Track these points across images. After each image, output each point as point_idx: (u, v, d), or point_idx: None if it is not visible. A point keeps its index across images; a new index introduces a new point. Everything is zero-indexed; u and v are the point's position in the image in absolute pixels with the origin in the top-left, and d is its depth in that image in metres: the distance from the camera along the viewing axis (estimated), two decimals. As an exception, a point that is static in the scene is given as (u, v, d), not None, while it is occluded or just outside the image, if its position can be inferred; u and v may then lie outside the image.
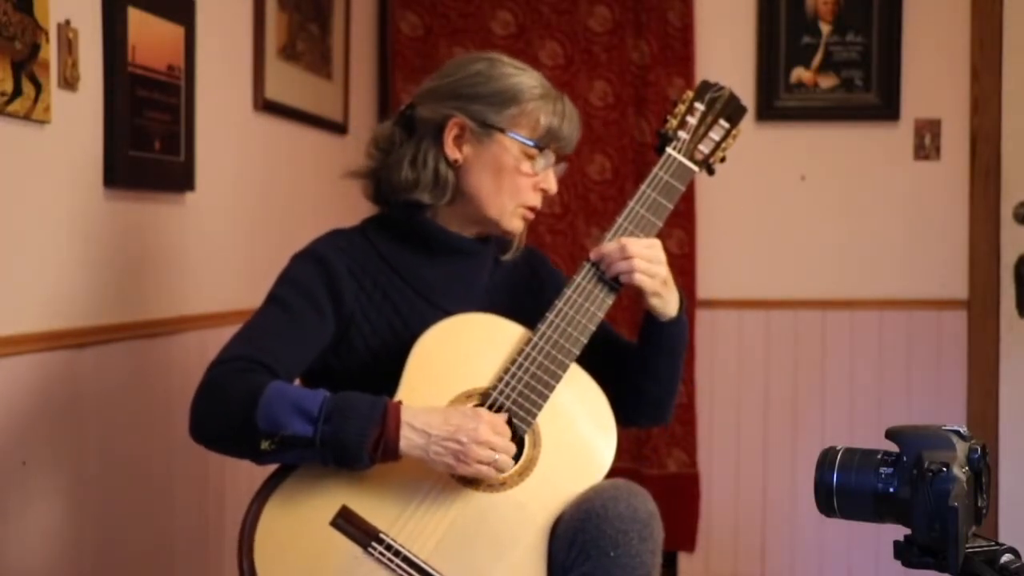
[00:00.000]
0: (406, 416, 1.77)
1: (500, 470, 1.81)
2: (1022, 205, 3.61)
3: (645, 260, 1.94)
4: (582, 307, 1.93)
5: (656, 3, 3.71)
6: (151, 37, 2.40)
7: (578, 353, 1.92)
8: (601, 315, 1.94)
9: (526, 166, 1.98)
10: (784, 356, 3.76)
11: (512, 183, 1.98)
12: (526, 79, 1.98)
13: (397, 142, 2.01)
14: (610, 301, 1.95)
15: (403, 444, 1.76)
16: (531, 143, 1.97)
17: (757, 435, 3.77)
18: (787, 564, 3.76)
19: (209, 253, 2.70)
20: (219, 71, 2.71)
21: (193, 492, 2.63)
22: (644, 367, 2.05)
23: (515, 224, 2.02)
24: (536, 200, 2.02)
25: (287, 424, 1.73)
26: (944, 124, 3.70)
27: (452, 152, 1.97)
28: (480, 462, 1.78)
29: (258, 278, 2.03)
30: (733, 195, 3.73)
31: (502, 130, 1.96)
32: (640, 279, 1.94)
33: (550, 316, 1.92)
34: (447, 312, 1.95)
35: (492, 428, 1.79)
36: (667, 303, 2.00)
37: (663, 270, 1.97)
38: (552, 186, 2.02)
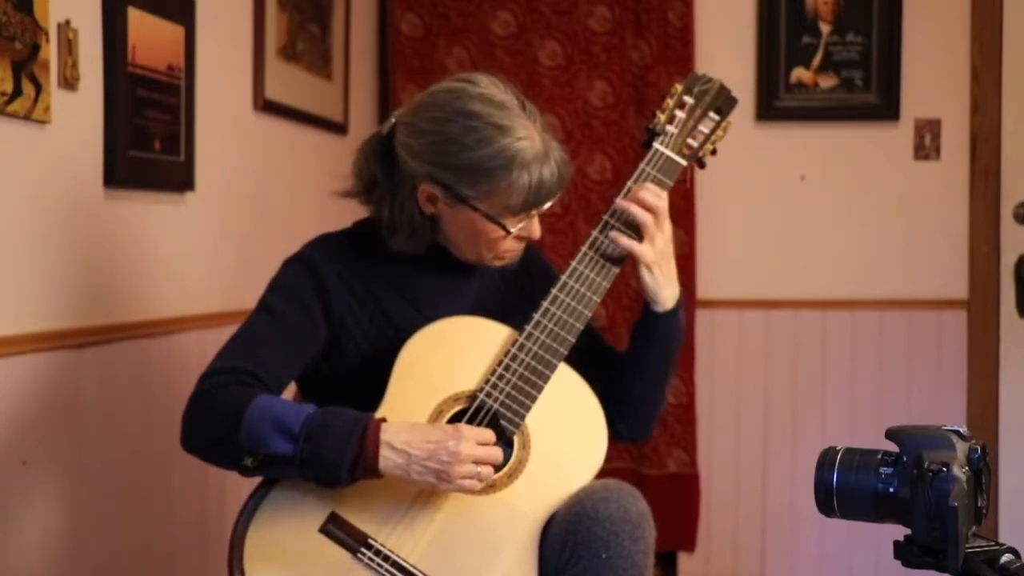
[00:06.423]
0: (386, 436, 1.76)
1: (482, 481, 1.80)
2: (1022, 205, 3.61)
3: (650, 207, 1.93)
4: (569, 306, 1.91)
5: (656, 3, 3.71)
6: (151, 37, 2.40)
7: (566, 352, 1.90)
8: (589, 313, 1.92)
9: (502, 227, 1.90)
10: (784, 356, 3.76)
11: (488, 240, 1.92)
12: (506, 144, 1.83)
13: (377, 175, 1.95)
14: (597, 300, 1.93)
15: (382, 464, 1.75)
16: (504, 217, 1.88)
17: (757, 435, 3.77)
18: (787, 564, 3.76)
19: (209, 253, 2.70)
20: (219, 71, 2.71)
21: (193, 492, 2.63)
22: (632, 358, 2.03)
23: (496, 265, 1.97)
24: (518, 247, 1.96)
25: (268, 443, 1.74)
26: (944, 124, 3.69)
27: (426, 208, 1.91)
28: (464, 477, 1.77)
29: (258, 278, 2.02)
30: (733, 195, 3.73)
31: (474, 207, 1.87)
32: (636, 213, 1.93)
33: (536, 316, 1.90)
34: (436, 316, 1.93)
35: (475, 441, 1.78)
36: (660, 286, 1.96)
37: (660, 240, 1.94)
38: (534, 233, 1.94)
